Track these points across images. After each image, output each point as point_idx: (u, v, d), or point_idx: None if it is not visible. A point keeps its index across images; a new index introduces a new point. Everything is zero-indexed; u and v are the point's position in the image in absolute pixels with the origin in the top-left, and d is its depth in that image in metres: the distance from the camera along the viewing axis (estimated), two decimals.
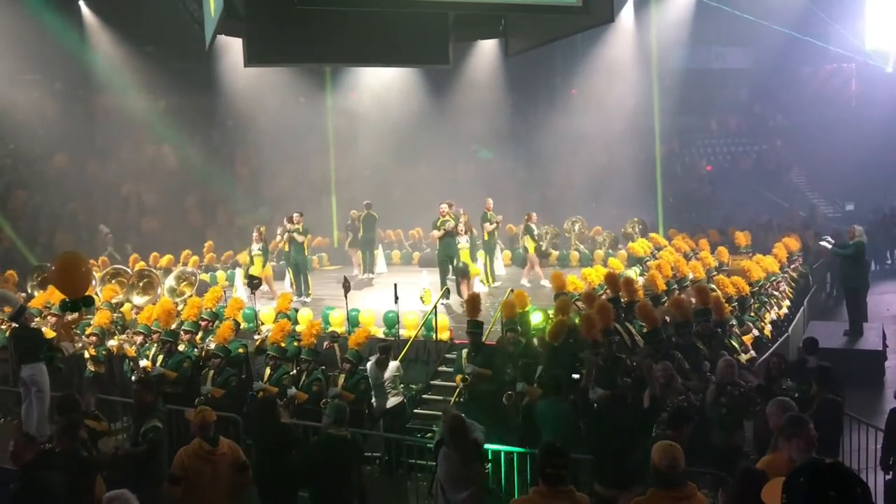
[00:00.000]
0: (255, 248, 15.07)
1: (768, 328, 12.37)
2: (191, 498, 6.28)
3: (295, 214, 15.56)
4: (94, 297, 9.00)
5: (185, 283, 14.39)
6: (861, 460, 8.09)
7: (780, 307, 13.46)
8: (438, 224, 14.36)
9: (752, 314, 12.17)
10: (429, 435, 10.04)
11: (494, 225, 15.78)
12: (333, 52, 6.79)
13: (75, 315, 11.26)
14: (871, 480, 7.84)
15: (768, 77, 28.35)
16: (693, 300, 10.60)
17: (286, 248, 15.49)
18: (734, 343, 10.40)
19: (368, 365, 9.96)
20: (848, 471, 2.58)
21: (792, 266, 15.72)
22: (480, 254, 15.75)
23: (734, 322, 11.05)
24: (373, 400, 9.94)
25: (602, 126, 23.66)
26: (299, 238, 15.25)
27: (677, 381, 8.05)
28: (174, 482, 6.30)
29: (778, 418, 5.87)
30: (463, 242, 13.97)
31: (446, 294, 13.83)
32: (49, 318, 12.10)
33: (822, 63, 29.27)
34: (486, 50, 22.11)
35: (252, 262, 15.30)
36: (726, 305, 10.91)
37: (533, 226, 16.27)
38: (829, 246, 14.22)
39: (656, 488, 4.67)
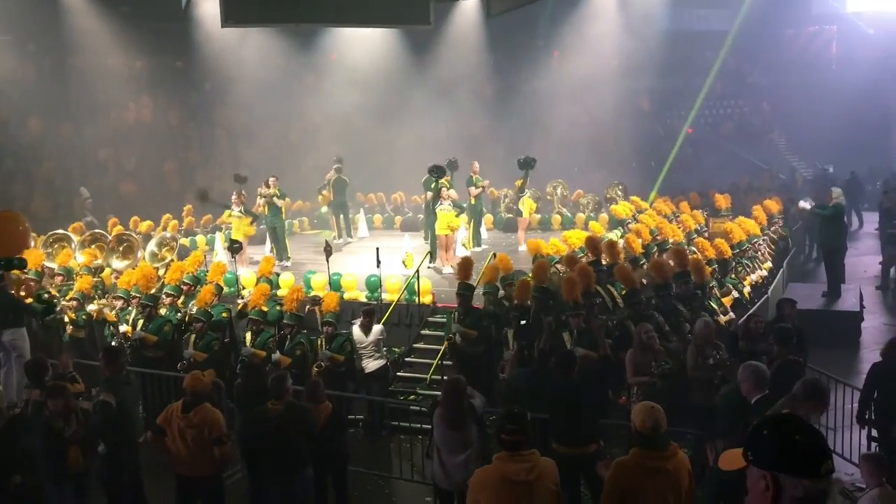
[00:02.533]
0: (236, 210, 14.91)
1: (747, 290, 12.48)
2: (170, 451, 6.59)
3: (271, 179, 15.36)
4: (25, 260, 8.93)
5: (166, 248, 14.28)
6: (838, 419, 8.23)
7: (760, 269, 13.58)
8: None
9: (733, 276, 12.27)
10: (412, 397, 10.13)
11: (480, 189, 15.67)
12: (312, 12, 6.72)
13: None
14: (847, 439, 8.01)
15: (750, 39, 28.20)
16: (672, 262, 10.67)
17: (265, 212, 15.36)
18: (714, 305, 10.51)
19: (353, 328, 9.97)
20: (801, 418, 2.64)
21: (772, 228, 15.84)
22: (463, 218, 15.69)
23: (714, 284, 11.14)
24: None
25: (584, 88, 23.50)
26: (277, 202, 15.14)
27: (657, 342, 8.14)
28: (157, 432, 6.60)
29: (749, 384, 5.94)
30: (445, 205, 13.86)
31: (430, 257, 13.81)
32: (28, 283, 11.95)
33: (804, 25, 29.18)
34: (468, 10, 21.81)
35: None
36: (707, 268, 10.98)
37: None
38: (809, 207, 14.34)
39: (639, 448, 4.71)
